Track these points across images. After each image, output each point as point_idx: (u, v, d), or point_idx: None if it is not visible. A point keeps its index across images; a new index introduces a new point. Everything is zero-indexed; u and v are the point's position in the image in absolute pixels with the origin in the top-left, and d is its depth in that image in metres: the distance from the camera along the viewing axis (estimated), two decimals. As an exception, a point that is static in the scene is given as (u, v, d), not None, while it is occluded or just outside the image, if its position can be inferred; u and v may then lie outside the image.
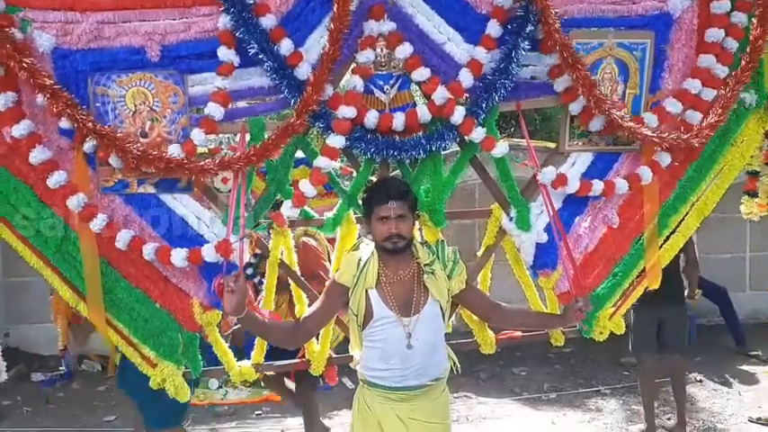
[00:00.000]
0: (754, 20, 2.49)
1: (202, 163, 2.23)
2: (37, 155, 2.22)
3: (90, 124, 2.17)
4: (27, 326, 5.87)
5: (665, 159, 2.56)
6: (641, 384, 4.30)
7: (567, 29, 2.43)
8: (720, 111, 2.50)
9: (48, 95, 2.13)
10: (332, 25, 2.21)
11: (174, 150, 2.26)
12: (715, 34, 2.48)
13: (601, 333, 2.78)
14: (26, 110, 2.24)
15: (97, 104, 2.27)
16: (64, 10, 2.19)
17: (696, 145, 2.47)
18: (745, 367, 5.62)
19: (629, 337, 4.01)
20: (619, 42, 2.48)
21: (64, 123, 2.20)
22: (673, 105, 2.52)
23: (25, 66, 2.08)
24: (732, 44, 2.50)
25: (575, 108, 2.49)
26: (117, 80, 2.26)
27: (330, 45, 2.21)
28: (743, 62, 2.48)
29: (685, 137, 2.47)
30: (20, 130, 2.20)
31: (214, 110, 2.28)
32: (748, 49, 2.49)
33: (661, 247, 2.76)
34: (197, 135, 2.28)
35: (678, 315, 4.06)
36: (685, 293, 4.22)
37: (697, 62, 2.52)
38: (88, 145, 2.22)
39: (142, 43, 2.25)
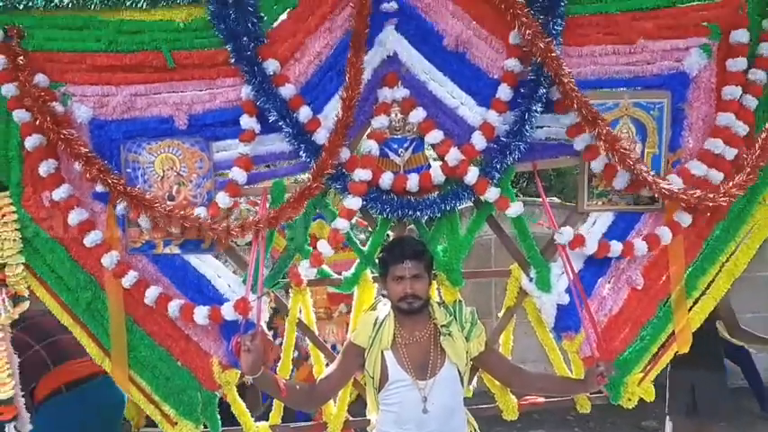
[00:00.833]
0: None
1: (224, 225, 2.33)
2: (75, 216, 2.37)
3: (121, 187, 2.32)
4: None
5: (685, 219, 2.50)
6: None
7: (581, 90, 2.46)
8: (750, 170, 2.42)
9: (82, 162, 2.29)
10: (344, 93, 2.31)
11: (200, 213, 2.38)
12: (732, 92, 2.45)
13: (629, 399, 2.67)
14: (65, 176, 2.40)
15: (128, 170, 2.42)
16: (101, 84, 2.37)
17: (723, 204, 2.40)
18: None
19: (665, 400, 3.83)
20: (635, 102, 2.48)
21: (99, 188, 2.35)
22: (697, 168, 2.47)
23: (63, 137, 2.27)
24: (751, 102, 2.45)
25: (596, 166, 2.47)
26: (147, 147, 2.42)
27: (343, 112, 2.31)
28: None
29: (712, 195, 2.41)
30: (60, 193, 2.36)
31: (237, 174, 2.40)
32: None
33: (691, 309, 2.66)
34: (221, 198, 2.39)
35: (712, 381, 3.83)
36: (724, 359, 3.99)
37: (716, 121, 2.48)
38: (120, 207, 2.36)
39: (171, 113, 2.40)
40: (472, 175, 2.42)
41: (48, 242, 2.43)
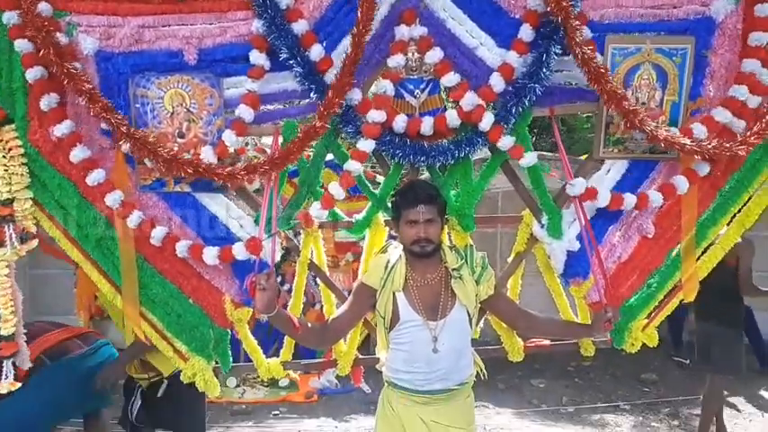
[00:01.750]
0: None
1: (230, 169, 2.29)
2: (77, 153, 2.32)
3: (123, 128, 2.25)
4: (51, 318, 5.91)
5: (703, 168, 2.47)
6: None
7: (603, 33, 2.39)
8: None
9: (86, 99, 2.22)
10: (355, 29, 2.22)
11: (207, 152, 2.33)
12: (759, 38, 2.37)
13: (633, 345, 2.72)
14: (70, 110, 2.34)
15: (137, 105, 2.35)
16: (107, 15, 2.28)
17: (741, 153, 2.36)
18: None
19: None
20: (657, 48, 2.41)
21: (103, 125, 2.29)
22: (722, 115, 2.41)
23: (66, 70, 2.18)
24: None
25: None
26: (156, 82, 2.34)
27: (352, 49, 2.22)
28: None
29: (728, 145, 2.37)
30: (62, 129, 2.29)
31: (244, 112, 2.33)
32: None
33: (699, 259, 2.67)
34: (228, 137, 2.34)
35: (728, 336, 3.98)
36: (742, 316, 4.12)
37: (741, 67, 2.42)
38: (125, 146, 2.31)
39: (180, 47, 2.32)
40: (487, 121, 2.37)
41: (56, 177, 2.38)
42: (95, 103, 2.21)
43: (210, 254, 2.38)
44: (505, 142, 2.41)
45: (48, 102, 2.26)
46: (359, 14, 2.22)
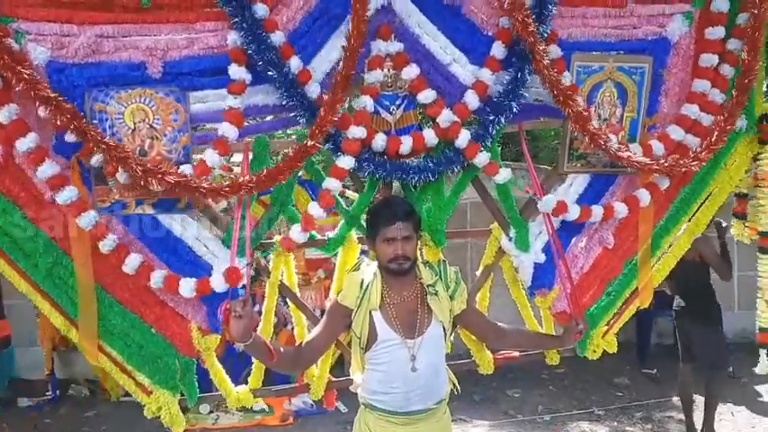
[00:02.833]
0: (746, 46, 2.56)
1: (216, 186, 2.14)
2: (45, 170, 2.07)
3: (98, 137, 2.05)
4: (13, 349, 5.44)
5: (663, 183, 2.61)
6: (680, 395, 4.56)
7: (570, 51, 2.46)
8: (717, 134, 2.54)
9: (51, 108, 1.99)
10: (347, 44, 2.15)
11: (186, 171, 2.17)
12: (708, 59, 2.54)
13: (594, 351, 2.82)
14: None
15: (94, 121, 2.14)
16: (60, 23, 2.07)
17: (695, 169, 2.51)
18: (736, 386, 5.62)
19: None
20: (618, 66, 2.51)
21: (69, 137, 2.07)
22: (676, 133, 2.56)
23: (25, 77, 1.96)
24: (728, 70, 2.56)
25: None
26: (116, 96, 2.15)
27: (344, 64, 2.16)
28: (737, 87, 2.55)
29: (682, 161, 2.51)
30: (27, 143, 2.04)
31: (228, 130, 2.19)
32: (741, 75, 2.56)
33: (653, 267, 2.81)
34: (210, 156, 2.19)
35: (706, 334, 4.26)
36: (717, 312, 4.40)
37: (692, 87, 2.57)
38: (95, 158, 2.10)
39: (143, 59, 2.15)
40: (463, 138, 2.38)
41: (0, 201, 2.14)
42: (63, 112, 1.98)
43: (188, 286, 2.22)
44: (481, 159, 2.42)
45: (8, 113, 2.01)
46: (350, 29, 2.15)
